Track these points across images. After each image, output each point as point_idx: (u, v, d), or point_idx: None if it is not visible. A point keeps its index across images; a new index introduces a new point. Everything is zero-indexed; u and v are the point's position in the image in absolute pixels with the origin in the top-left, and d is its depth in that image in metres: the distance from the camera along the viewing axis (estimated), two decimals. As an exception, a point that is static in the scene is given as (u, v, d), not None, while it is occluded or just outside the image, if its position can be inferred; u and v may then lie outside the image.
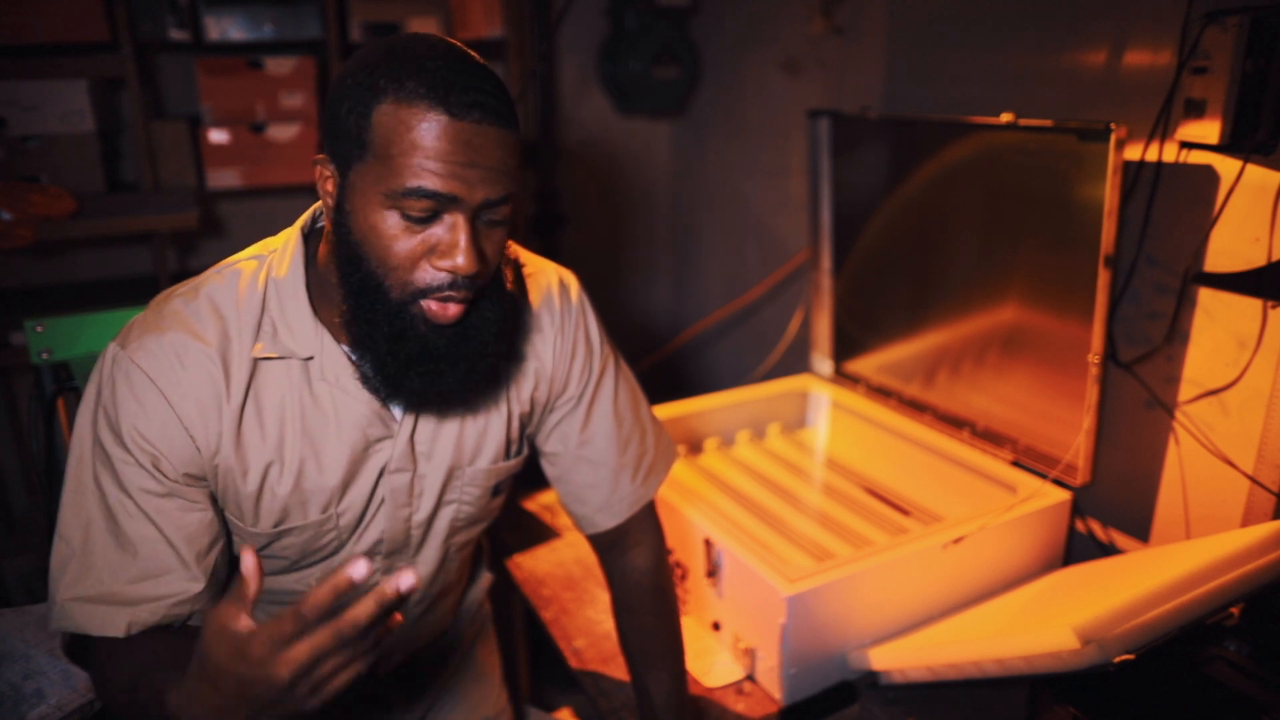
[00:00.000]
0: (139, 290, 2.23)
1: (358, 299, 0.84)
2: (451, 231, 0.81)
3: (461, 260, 0.80)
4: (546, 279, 1.07)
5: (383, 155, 0.79)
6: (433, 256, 0.82)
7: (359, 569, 0.62)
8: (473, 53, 0.83)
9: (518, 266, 1.06)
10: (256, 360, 0.89)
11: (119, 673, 0.84)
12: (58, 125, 2.06)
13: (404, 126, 0.77)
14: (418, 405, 0.94)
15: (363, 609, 0.63)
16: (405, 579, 0.63)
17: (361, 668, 0.67)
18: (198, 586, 0.87)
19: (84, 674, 1.03)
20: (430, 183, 0.78)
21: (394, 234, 0.80)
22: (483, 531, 1.16)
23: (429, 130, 0.77)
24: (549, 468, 1.15)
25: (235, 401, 0.88)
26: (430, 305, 0.83)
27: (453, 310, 0.84)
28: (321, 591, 0.63)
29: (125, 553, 0.85)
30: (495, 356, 0.90)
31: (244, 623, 0.65)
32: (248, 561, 0.67)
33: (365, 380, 0.88)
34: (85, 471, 0.86)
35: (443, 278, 0.82)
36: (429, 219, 0.80)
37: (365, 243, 0.82)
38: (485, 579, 1.34)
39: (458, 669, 1.27)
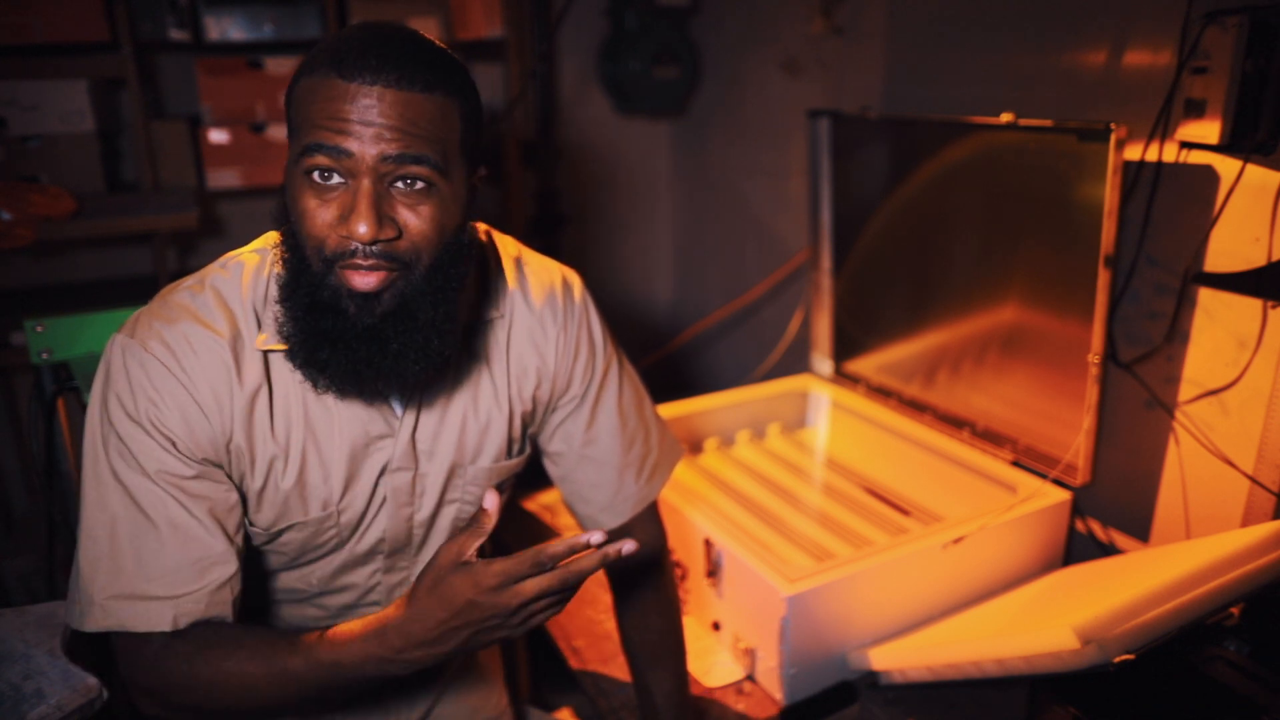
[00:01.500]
0: (139, 290, 2.23)
1: (286, 269, 0.84)
2: (353, 195, 0.79)
3: (360, 225, 0.78)
4: (550, 278, 1.07)
5: (294, 128, 0.82)
6: (338, 223, 0.80)
7: (597, 536, 0.75)
8: (416, 31, 0.83)
9: (520, 265, 1.06)
10: (264, 352, 0.89)
11: (233, 657, 0.83)
12: (58, 125, 2.06)
13: (306, 94, 0.80)
14: (341, 386, 0.87)
15: (588, 561, 0.75)
16: (628, 545, 0.76)
17: (560, 609, 0.80)
18: (233, 567, 0.87)
19: (84, 674, 1.03)
20: (321, 137, 0.78)
21: (307, 203, 0.81)
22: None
23: (322, 93, 0.78)
24: (552, 468, 1.15)
25: (247, 390, 0.88)
26: (347, 275, 0.81)
27: (369, 281, 0.81)
28: (560, 546, 0.75)
29: (155, 544, 0.84)
30: (430, 341, 0.85)
31: (469, 554, 0.76)
32: (490, 500, 0.78)
33: (290, 356, 0.86)
34: (103, 468, 0.85)
35: (349, 244, 0.80)
36: (333, 182, 0.80)
37: (292, 218, 0.83)
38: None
39: (458, 670, 1.27)
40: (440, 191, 0.83)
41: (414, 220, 0.82)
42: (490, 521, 0.77)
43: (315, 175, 0.80)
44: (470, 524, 0.78)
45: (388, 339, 0.83)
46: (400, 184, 0.81)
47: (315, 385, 0.87)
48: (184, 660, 0.84)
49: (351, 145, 0.78)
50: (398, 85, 0.78)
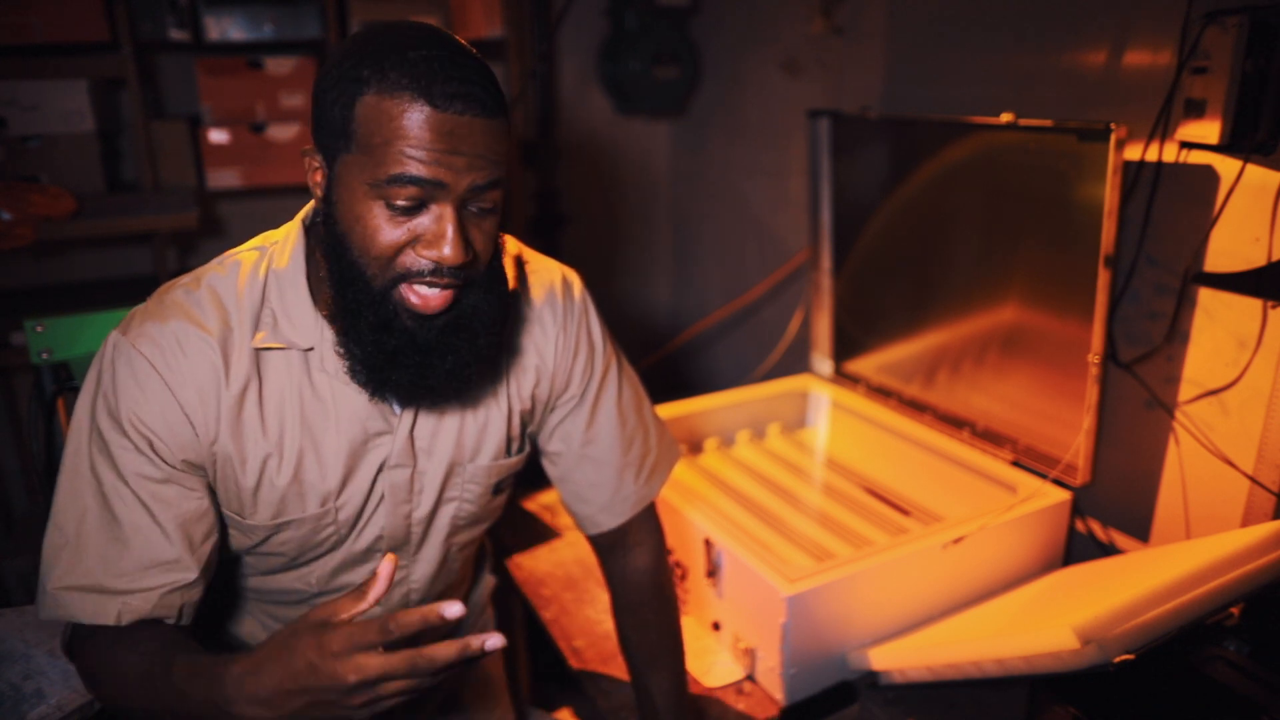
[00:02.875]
0: (139, 290, 2.20)
1: (342, 289, 0.84)
2: (438, 222, 0.80)
3: (448, 251, 0.80)
4: (550, 277, 1.07)
5: (366, 146, 0.79)
6: (418, 246, 0.81)
7: (453, 609, 0.67)
8: (458, 39, 0.83)
9: (521, 263, 1.06)
10: (257, 350, 0.89)
11: (126, 658, 0.83)
12: (58, 125, 2.06)
13: (386, 117, 0.78)
14: (407, 399, 0.92)
15: (444, 650, 0.67)
16: (493, 640, 0.68)
17: (409, 696, 0.71)
18: (191, 575, 0.87)
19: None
20: (414, 169, 0.78)
21: (378, 224, 0.80)
22: (485, 533, 1.16)
23: (412, 121, 0.77)
24: (551, 468, 1.15)
25: (234, 390, 0.88)
26: (410, 294, 0.83)
27: (436, 301, 0.83)
28: (413, 617, 0.68)
29: (119, 543, 0.85)
30: (487, 348, 0.89)
31: (340, 617, 0.70)
32: (384, 567, 0.71)
33: (353, 374, 0.88)
34: (82, 460, 0.86)
35: (425, 264, 0.82)
36: (414, 209, 0.80)
37: (350, 233, 0.82)
38: (488, 582, 1.34)
39: (461, 674, 1.27)
40: (499, 207, 0.85)
41: (480, 238, 0.84)
42: (375, 589, 0.71)
43: (399, 201, 0.79)
44: (357, 589, 0.72)
45: (453, 350, 0.86)
46: (475, 206, 0.83)
47: (383, 399, 0.92)
48: (105, 652, 0.85)
49: (445, 177, 0.79)
50: (483, 114, 0.80)
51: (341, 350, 0.88)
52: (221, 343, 0.87)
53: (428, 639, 1.16)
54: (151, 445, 0.85)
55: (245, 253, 0.94)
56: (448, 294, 0.84)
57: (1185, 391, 1.36)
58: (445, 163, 0.78)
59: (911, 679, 1.22)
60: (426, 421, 0.98)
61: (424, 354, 0.85)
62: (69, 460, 0.87)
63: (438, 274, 0.82)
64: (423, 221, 0.81)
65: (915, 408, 1.79)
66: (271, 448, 0.91)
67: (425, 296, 0.83)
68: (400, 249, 0.81)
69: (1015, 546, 1.43)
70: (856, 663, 1.30)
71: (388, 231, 0.81)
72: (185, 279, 0.91)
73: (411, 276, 0.82)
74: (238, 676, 0.72)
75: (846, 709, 1.30)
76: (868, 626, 1.31)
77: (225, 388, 0.88)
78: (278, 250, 0.92)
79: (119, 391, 0.85)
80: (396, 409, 0.96)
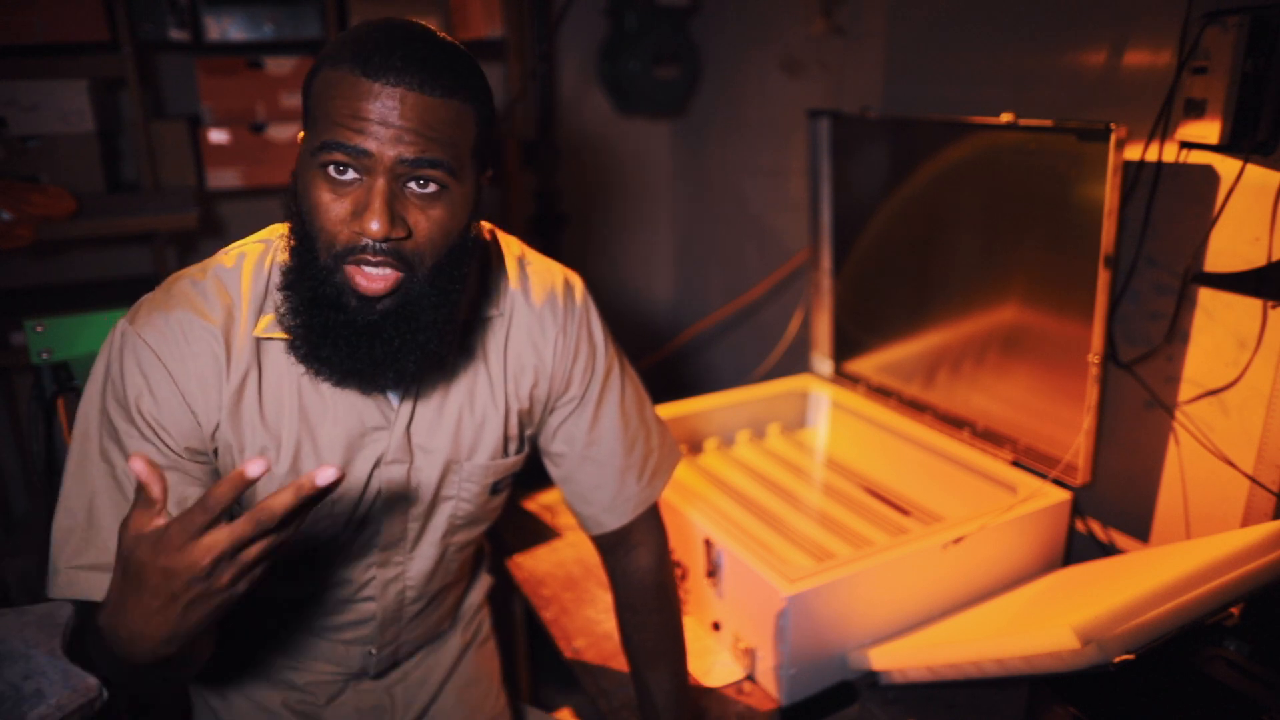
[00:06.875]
0: (139, 290, 2.20)
1: (292, 259, 0.85)
2: (368, 193, 0.80)
3: (374, 224, 0.79)
4: (551, 279, 1.07)
5: (313, 119, 0.82)
6: (353, 220, 0.81)
7: (254, 467, 0.64)
8: (438, 33, 0.83)
9: (522, 264, 1.06)
10: (259, 340, 0.90)
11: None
12: (58, 125, 2.06)
13: (327, 87, 0.80)
14: (339, 379, 0.89)
15: (280, 499, 0.65)
16: (325, 474, 0.64)
17: (278, 552, 0.69)
18: None
19: (84, 674, 1.03)
20: (340, 135, 0.79)
21: (320, 195, 0.81)
22: (484, 533, 1.16)
23: (345, 90, 0.79)
24: (553, 468, 1.15)
25: (235, 379, 0.89)
26: (357, 274, 0.82)
27: (378, 283, 0.82)
28: (222, 488, 0.64)
29: None
30: (430, 343, 0.87)
31: (158, 522, 0.67)
32: (137, 466, 0.66)
33: (292, 347, 0.87)
34: (91, 444, 0.87)
35: (360, 239, 0.81)
36: (348, 178, 0.80)
37: (303, 206, 0.83)
38: (485, 581, 1.34)
39: (456, 672, 1.27)
40: (451, 194, 0.84)
41: (423, 222, 0.83)
42: (153, 487, 0.66)
43: (331, 170, 0.80)
44: (136, 499, 0.68)
45: (388, 336, 0.85)
46: (413, 184, 0.82)
47: (316, 375, 0.88)
48: None
49: (370, 145, 0.79)
50: (420, 88, 0.79)
51: (283, 324, 0.87)
52: (224, 332, 0.88)
53: (419, 634, 1.17)
54: (156, 433, 0.86)
55: (251, 245, 0.95)
56: (389, 276, 0.82)
57: (1185, 391, 1.36)
58: (370, 131, 0.78)
59: (911, 679, 1.22)
60: (424, 418, 0.99)
61: (358, 335, 0.84)
62: (77, 445, 0.87)
63: (373, 250, 0.81)
64: (359, 194, 0.81)
65: (915, 408, 1.79)
66: (269, 439, 0.92)
67: (369, 276, 0.82)
68: (343, 221, 0.81)
69: (1015, 546, 1.43)
70: (856, 663, 1.30)
71: (329, 204, 0.81)
72: (193, 269, 0.93)
73: (353, 253, 0.82)
74: (109, 626, 0.71)
75: (846, 709, 1.30)
76: (868, 626, 1.31)
77: (226, 378, 0.89)
78: (283, 243, 0.93)
79: (126, 380, 0.86)
80: (394, 402, 0.96)
